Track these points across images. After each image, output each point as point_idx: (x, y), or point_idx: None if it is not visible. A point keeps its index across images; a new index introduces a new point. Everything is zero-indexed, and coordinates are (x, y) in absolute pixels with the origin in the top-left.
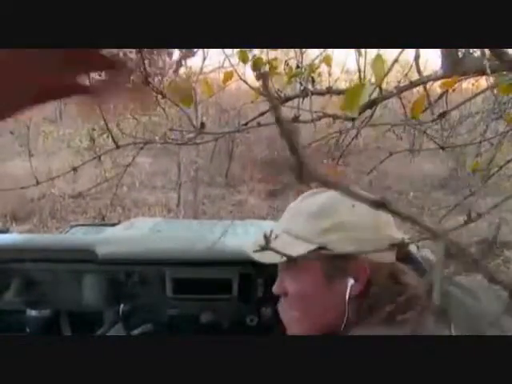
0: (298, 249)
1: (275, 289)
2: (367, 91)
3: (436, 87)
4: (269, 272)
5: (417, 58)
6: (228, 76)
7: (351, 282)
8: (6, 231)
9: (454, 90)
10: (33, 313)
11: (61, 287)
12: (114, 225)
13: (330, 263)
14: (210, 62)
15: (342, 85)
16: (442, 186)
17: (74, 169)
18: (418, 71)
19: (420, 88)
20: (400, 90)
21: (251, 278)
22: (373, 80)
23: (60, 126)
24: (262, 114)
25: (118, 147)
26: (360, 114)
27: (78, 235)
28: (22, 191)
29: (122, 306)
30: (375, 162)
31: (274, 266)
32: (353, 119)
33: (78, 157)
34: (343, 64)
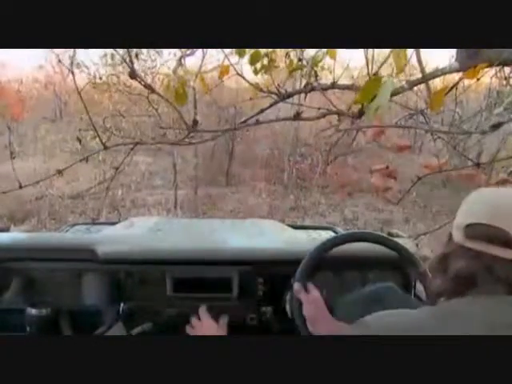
0: None
1: None
2: (390, 85)
3: (438, 83)
4: (269, 271)
5: (417, 51)
6: (224, 70)
7: None
8: (6, 230)
9: (478, 79)
10: (33, 311)
11: (61, 286)
12: (114, 224)
13: None
14: (210, 61)
15: (342, 82)
16: (444, 184)
17: (59, 172)
18: (420, 65)
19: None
20: (412, 84)
21: (251, 277)
22: (384, 73)
23: (59, 125)
24: (262, 111)
25: (105, 148)
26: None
27: (78, 234)
28: (20, 192)
29: (122, 304)
30: (375, 161)
31: (273, 266)
32: (360, 116)
33: (73, 157)
34: (343, 61)
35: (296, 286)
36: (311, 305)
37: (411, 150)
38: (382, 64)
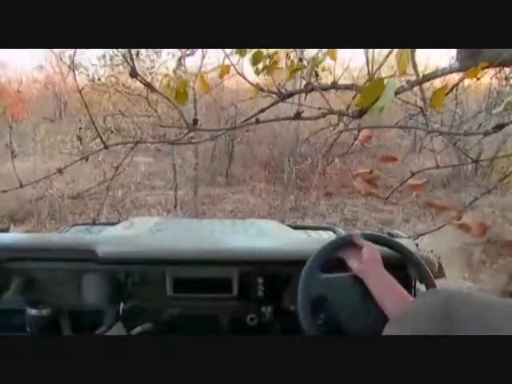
0: None
1: None
2: (393, 85)
3: (438, 84)
4: (269, 271)
5: (412, 52)
6: (225, 70)
7: None
8: (6, 230)
9: (478, 79)
10: (33, 312)
11: (61, 286)
12: (113, 224)
13: None
14: (210, 61)
15: (342, 82)
16: (444, 184)
17: (60, 170)
18: (414, 66)
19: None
20: (412, 85)
21: (251, 277)
22: (384, 74)
23: (59, 125)
24: (262, 110)
25: (105, 147)
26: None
27: (78, 234)
28: (20, 192)
29: (122, 305)
30: (376, 161)
31: (273, 266)
32: (360, 116)
33: (73, 157)
34: (343, 61)
35: (355, 235)
36: (372, 251)
37: (411, 150)
38: (381, 65)
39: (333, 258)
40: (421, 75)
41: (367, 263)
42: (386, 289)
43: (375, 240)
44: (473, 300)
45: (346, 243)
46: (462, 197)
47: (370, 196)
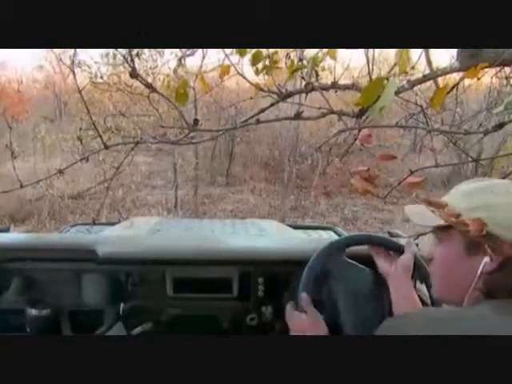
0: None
1: (426, 253)
2: (394, 84)
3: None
4: (269, 271)
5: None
6: (225, 70)
7: (486, 259)
8: (6, 230)
9: (479, 79)
10: (33, 312)
11: (61, 286)
12: (114, 224)
13: (471, 239)
14: (210, 61)
15: (343, 81)
16: (444, 184)
17: (60, 171)
18: (429, 63)
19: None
20: (412, 84)
21: (251, 277)
22: (384, 73)
23: (59, 125)
24: (262, 110)
25: (106, 148)
26: (381, 110)
27: (78, 234)
28: (20, 192)
29: (122, 305)
30: (375, 160)
31: (273, 266)
32: (360, 116)
33: (73, 157)
34: (343, 61)
35: (303, 295)
36: (410, 259)
37: (411, 149)
38: (374, 63)
39: (361, 251)
40: (421, 75)
41: (401, 269)
42: (406, 299)
43: (378, 242)
44: (445, 316)
45: (392, 248)
46: None
47: (368, 194)
